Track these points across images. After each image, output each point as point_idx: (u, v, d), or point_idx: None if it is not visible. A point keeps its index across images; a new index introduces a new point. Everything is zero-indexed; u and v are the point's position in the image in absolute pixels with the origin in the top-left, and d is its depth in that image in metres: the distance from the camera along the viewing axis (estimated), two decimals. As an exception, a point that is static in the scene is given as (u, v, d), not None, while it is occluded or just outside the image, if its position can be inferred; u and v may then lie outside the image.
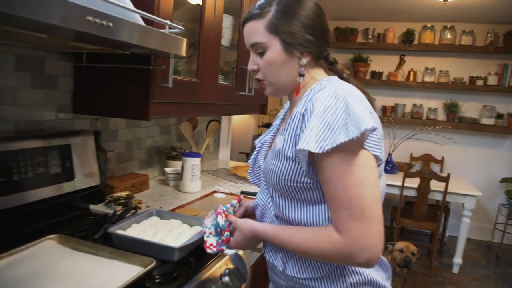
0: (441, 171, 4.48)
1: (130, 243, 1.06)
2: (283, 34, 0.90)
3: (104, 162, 1.53)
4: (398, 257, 2.63)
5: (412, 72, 4.54)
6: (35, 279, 0.89)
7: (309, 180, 0.86)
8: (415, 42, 4.51)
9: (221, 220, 1.01)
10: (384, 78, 4.73)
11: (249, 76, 2.07)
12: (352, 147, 0.79)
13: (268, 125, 5.52)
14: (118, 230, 1.11)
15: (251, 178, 1.12)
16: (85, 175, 1.39)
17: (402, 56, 4.60)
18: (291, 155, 0.87)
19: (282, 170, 0.89)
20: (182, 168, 1.82)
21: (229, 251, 1.22)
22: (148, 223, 1.20)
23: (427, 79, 4.52)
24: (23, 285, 0.86)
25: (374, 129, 0.79)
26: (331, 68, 0.99)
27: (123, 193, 1.51)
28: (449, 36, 4.37)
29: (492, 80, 4.27)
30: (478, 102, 4.44)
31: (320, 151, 0.77)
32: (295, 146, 0.86)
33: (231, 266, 1.17)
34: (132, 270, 0.94)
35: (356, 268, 0.91)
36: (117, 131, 1.76)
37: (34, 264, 0.95)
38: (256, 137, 5.06)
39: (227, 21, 1.91)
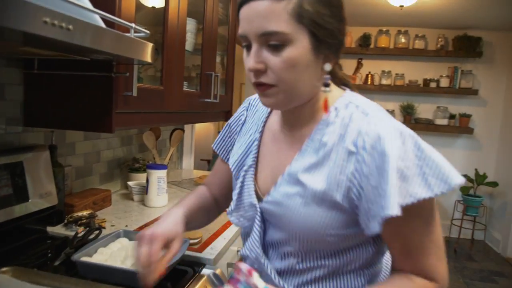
0: (400, 171, 4.60)
1: (98, 271, 0.95)
2: (315, 26, 0.67)
3: (61, 179, 1.39)
4: None
5: (369, 75, 4.64)
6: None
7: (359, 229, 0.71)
8: (372, 46, 4.62)
9: (260, 283, 0.70)
10: (342, 81, 4.79)
11: (214, 82, 1.99)
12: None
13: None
14: (83, 257, 0.99)
15: (235, 220, 0.85)
16: (41, 195, 1.25)
17: (360, 60, 4.69)
18: (341, 202, 0.69)
19: (328, 220, 0.71)
20: (147, 181, 1.70)
21: (207, 271, 1.13)
22: (116, 246, 1.09)
23: (384, 82, 4.64)
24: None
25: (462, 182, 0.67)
26: (337, 76, 0.81)
27: (85, 212, 1.38)
28: (403, 40, 4.51)
29: (444, 82, 4.45)
30: (432, 103, 4.61)
31: (398, 212, 0.63)
32: (349, 192, 0.69)
33: (210, 287, 1.09)
34: (103, 304, 0.84)
35: None
36: (74, 143, 1.62)
37: (-15, 305, 0.83)
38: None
39: (190, 25, 1.83)
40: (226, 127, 1.02)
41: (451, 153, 4.64)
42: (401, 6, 3.28)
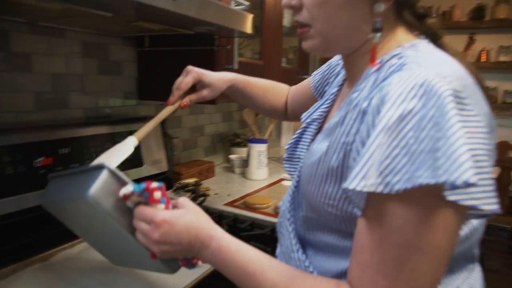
0: (520, 157, 4.09)
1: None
2: None
3: (170, 149, 1.50)
4: None
5: (483, 52, 4.17)
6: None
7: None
8: (487, 18, 4.12)
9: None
10: (452, 59, 4.39)
11: (312, 58, 1.97)
12: (435, 191, 0.45)
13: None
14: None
15: (287, 167, 0.81)
16: (153, 162, 1.37)
17: (472, 35, 4.23)
18: (336, 168, 0.57)
19: (321, 190, 0.60)
20: (248, 154, 1.75)
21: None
22: None
23: (502, 58, 4.12)
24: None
25: (471, 185, 0.42)
26: (419, 24, 0.63)
27: (191, 180, 1.48)
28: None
29: None
30: None
31: (386, 191, 0.45)
32: (345, 158, 0.56)
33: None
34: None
35: None
36: (181, 117, 1.74)
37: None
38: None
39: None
40: (326, 65, 0.91)
41: None
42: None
